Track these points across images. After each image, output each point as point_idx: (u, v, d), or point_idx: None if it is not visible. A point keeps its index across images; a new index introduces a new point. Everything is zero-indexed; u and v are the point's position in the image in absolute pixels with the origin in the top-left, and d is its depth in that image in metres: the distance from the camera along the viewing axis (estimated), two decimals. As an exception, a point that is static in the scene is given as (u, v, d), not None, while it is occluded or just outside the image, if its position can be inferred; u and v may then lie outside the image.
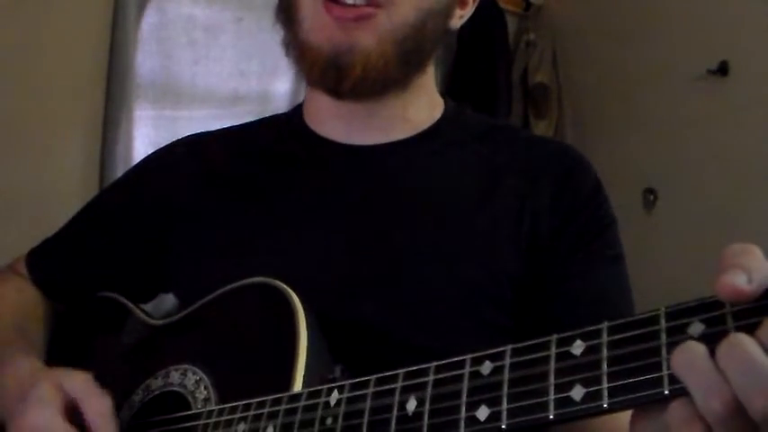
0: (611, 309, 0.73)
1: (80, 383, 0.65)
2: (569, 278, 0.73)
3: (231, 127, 0.92)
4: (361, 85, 0.72)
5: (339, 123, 0.80)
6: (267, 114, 0.95)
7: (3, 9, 1.63)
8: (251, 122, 0.92)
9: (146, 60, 1.88)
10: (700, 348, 0.39)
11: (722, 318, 0.39)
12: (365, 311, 0.71)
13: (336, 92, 0.74)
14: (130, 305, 0.83)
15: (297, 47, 0.74)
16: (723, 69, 2.23)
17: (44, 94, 1.72)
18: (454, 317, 0.72)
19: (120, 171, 1.79)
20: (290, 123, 0.86)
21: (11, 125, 1.66)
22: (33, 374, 0.69)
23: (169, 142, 0.92)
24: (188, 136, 0.91)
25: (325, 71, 0.72)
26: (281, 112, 0.94)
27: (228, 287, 0.70)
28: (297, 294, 0.64)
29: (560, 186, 0.76)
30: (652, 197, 2.41)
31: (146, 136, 1.88)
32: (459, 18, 0.81)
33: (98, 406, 0.63)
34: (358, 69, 0.71)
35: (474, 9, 0.82)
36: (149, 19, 1.88)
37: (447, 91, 0.78)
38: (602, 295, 0.73)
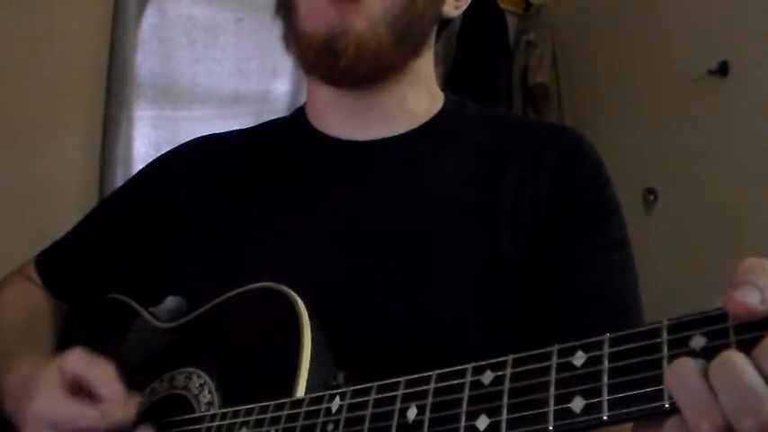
0: (614, 298, 0.72)
1: (76, 359, 0.65)
2: (571, 266, 0.73)
3: (238, 129, 0.92)
4: (355, 67, 0.72)
5: (340, 118, 0.81)
6: (267, 114, 0.95)
7: (2, 9, 1.63)
8: (257, 125, 0.93)
9: (146, 60, 1.88)
10: (691, 365, 0.39)
11: (724, 331, 0.39)
12: (369, 307, 0.72)
13: (331, 76, 0.75)
14: (138, 307, 0.84)
15: (294, 36, 0.75)
16: (723, 69, 2.23)
17: (44, 93, 1.72)
18: (456, 306, 0.72)
19: (120, 171, 1.79)
20: (294, 123, 0.87)
21: (11, 125, 1.66)
22: (35, 368, 0.70)
23: (170, 142, 0.92)
24: (196, 138, 0.92)
25: (320, 55, 0.72)
26: (280, 112, 0.94)
27: (234, 291, 0.71)
28: (302, 298, 0.64)
29: (560, 171, 0.76)
30: (652, 197, 2.41)
31: (146, 136, 1.88)
32: (455, 8, 0.81)
33: (100, 373, 0.64)
34: (351, 51, 0.71)
35: (470, 2, 0.83)
36: (149, 19, 1.88)
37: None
38: (604, 284, 0.73)
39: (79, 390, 0.65)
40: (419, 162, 0.79)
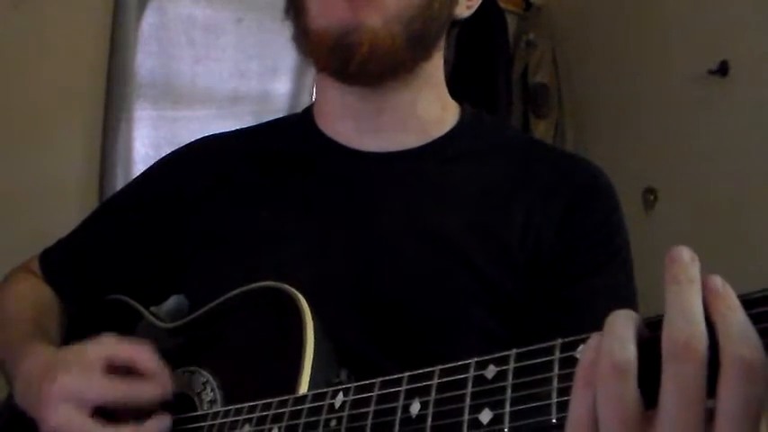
0: None
1: (112, 339, 0.66)
2: (569, 306, 0.72)
3: (241, 129, 0.92)
4: (369, 64, 0.72)
5: (349, 123, 0.80)
6: (267, 114, 0.95)
7: (3, 9, 1.63)
8: (264, 123, 0.92)
9: (146, 60, 1.87)
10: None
11: None
12: (362, 316, 0.72)
13: (343, 73, 0.74)
14: (140, 308, 0.84)
15: (305, 36, 0.74)
16: (723, 69, 2.23)
17: (44, 93, 1.72)
18: (446, 322, 0.72)
19: (120, 171, 1.79)
20: (301, 125, 0.86)
21: (11, 125, 1.66)
22: (56, 354, 0.70)
23: (170, 142, 0.93)
24: (199, 138, 0.92)
25: (333, 51, 0.72)
26: (280, 112, 0.94)
27: (237, 290, 0.71)
28: (304, 298, 0.64)
29: (571, 208, 0.75)
30: (652, 197, 2.41)
31: (146, 136, 1.87)
32: (467, 8, 0.81)
33: (140, 349, 0.65)
34: (365, 47, 0.70)
35: (479, 3, 0.82)
36: (149, 19, 1.88)
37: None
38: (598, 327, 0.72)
39: (114, 369, 0.65)
40: (428, 181, 0.78)
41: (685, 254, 0.39)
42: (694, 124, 2.30)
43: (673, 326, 0.37)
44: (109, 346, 0.66)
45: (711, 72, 2.24)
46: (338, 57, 0.72)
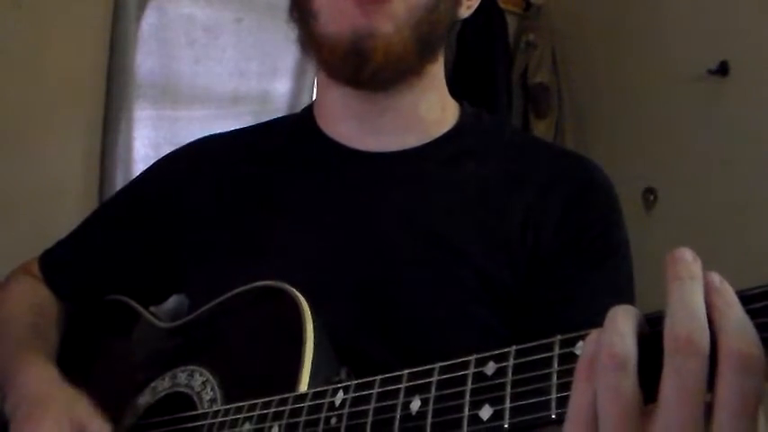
0: None
1: (86, 413, 0.67)
2: (570, 302, 0.72)
3: (240, 129, 0.92)
4: (382, 72, 0.71)
5: (351, 123, 0.80)
6: (267, 114, 0.95)
7: (3, 9, 1.63)
8: (263, 123, 0.92)
9: (146, 60, 1.87)
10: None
11: None
12: (362, 315, 0.72)
13: (356, 80, 0.74)
14: (139, 308, 0.84)
15: (314, 41, 0.73)
16: (723, 69, 2.23)
17: (44, 93, 1.72)
18: (447, 320, 0.72)
19: (120, 171, 1.79)
20: (302, 125, 0.85)
21: (10, 125, 1.66)
22: (51, 385, 0.71)
23: (170, 142, 0.92)
24: (198, 139, 0.92)
25: (346, 57, 0.71)
26: (280, 111, 0.94)
27: (236, 290, 0.71)
28: (304, 297, 0.64)
29: (569, 205, 0.75)
30: (652, 197, 2.41)
31: (146, 136, 1.88)
32: (467, 8, 0.81)
33: None
34: (379, 55, 0.70)
35: (478, 3, 0.82)
36: (149, 19, 1.88)
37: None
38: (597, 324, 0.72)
39: None
40: (428, 180, 0.78)
41: (687, 254, 0.40)
42: (694, 124, 2.30)
43: (675, 321, 0.37)
44: (83, 422, 0.67)
45: (711, 72, 2.24)
46: (351, 64, 0.71)
